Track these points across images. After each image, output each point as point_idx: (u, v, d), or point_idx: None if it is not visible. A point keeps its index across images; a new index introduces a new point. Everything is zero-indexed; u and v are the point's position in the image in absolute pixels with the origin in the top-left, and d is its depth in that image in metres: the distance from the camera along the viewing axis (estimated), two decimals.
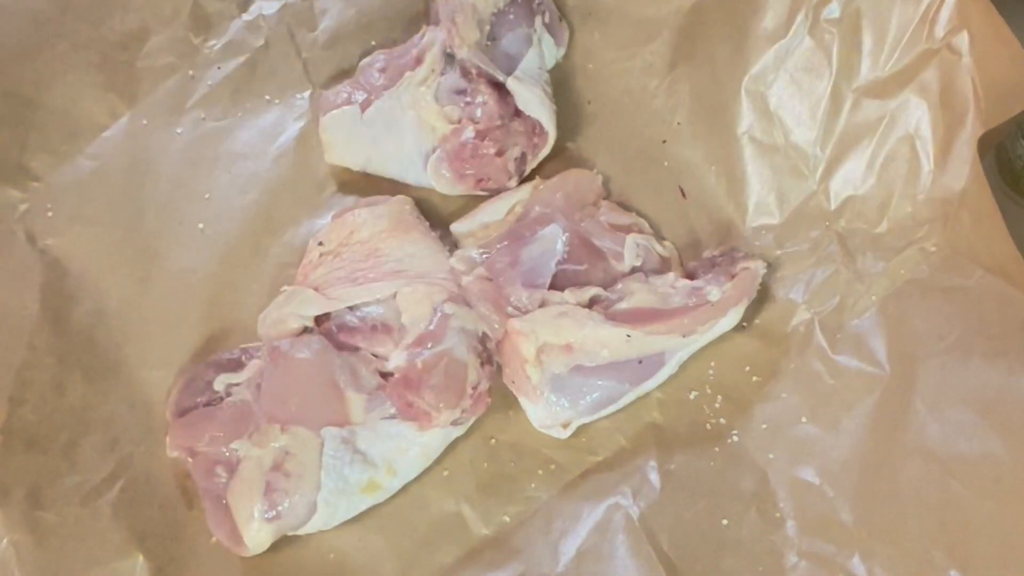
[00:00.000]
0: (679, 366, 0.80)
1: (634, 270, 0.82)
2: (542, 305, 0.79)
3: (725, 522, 0.75)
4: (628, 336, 0.77)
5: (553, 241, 0.81)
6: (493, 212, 0.85)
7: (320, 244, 0.83)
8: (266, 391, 0.77)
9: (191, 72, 0.89)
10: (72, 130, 0.87)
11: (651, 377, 0.79)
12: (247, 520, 0.74)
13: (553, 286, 0.80)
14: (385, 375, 0.78)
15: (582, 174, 0.87)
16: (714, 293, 0.79)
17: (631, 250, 0.82)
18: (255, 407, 0.76)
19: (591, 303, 0.79)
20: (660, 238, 0.85)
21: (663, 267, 0.83)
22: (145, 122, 0.88)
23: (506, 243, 0.82)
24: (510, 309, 0.79)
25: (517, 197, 0.85)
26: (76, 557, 0.73)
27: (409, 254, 0.81)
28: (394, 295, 0.79)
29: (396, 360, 0.78)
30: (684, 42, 0.89)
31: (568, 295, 0.79)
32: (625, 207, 0.87)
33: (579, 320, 0.77)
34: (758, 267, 0.80)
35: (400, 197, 0.85)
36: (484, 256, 0.81)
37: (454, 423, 0.77)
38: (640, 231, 0.84)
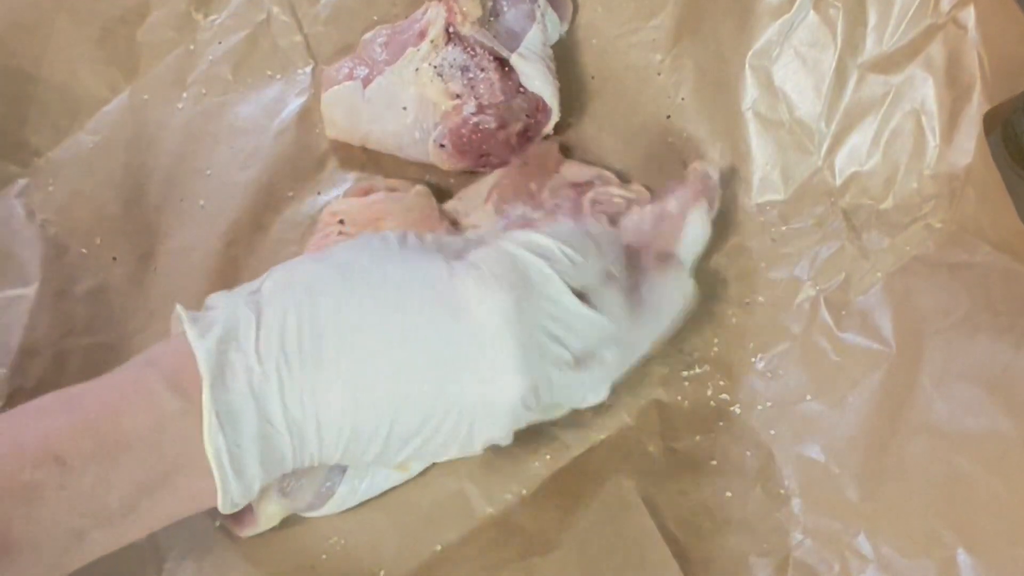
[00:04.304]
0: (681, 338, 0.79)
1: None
2: None
3: (729, 499, 0.75)
4: None
5: None
6: (474, 197, 0.84)
7: (341, 222, 0.82)
8: None
9: (192, 47, 0.89)
10: (72, 105, 0.86)
11: None
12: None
13: None
14: None
15: (538, 148, 0.86)
16: (672, 204, 0.77)
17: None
18: None
19: None
20: (627, 182, 0.84)
21: (630, 209, 0.81)
22: (146, 97, 0.88)
23: None
24: None
25: (489, 184, 0.84)
26: None
27: None
28: None
29: None
30: (688, 16, 0.88)
31: None
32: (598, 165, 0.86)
33: None
34: (706, 166, 0.79)
35: (421, 188, 0.84)
36: None
37: None
38: (604, 183, 0.83)
